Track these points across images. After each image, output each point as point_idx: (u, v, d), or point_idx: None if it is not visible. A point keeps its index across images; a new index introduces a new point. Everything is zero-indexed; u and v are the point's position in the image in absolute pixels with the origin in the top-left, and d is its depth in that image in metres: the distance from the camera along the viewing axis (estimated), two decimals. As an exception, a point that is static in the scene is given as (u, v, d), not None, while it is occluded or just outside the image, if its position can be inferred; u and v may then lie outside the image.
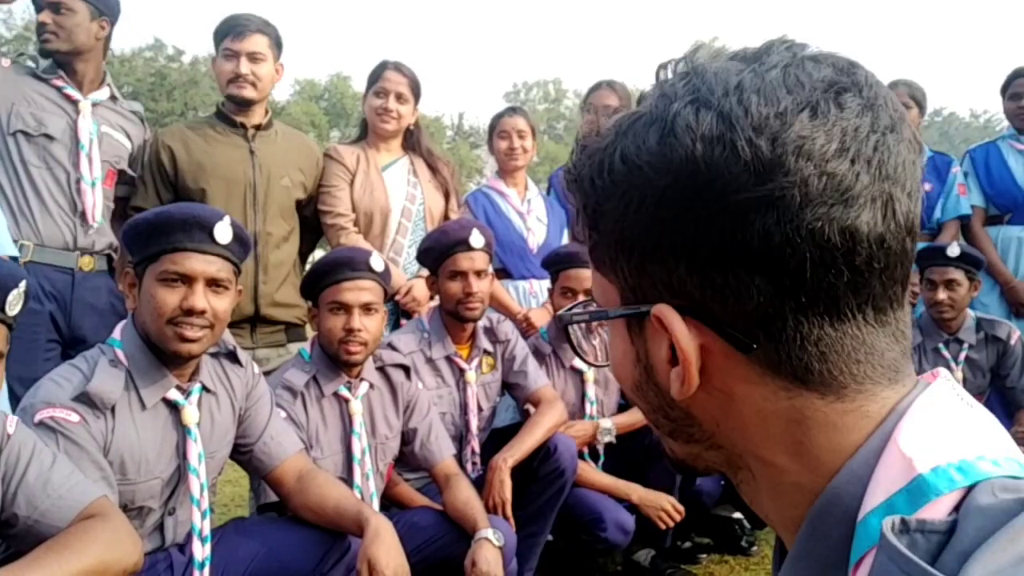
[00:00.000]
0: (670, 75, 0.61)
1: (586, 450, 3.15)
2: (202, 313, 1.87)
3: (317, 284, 2.44)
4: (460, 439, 2.95)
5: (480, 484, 2.70)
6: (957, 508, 0.51)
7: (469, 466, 2.94)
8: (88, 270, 2.81)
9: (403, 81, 3.40)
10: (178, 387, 1.95)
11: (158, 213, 1.93)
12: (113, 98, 3.00)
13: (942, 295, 3.42)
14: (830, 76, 0.56)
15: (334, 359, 2.44)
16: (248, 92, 3.08)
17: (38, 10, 2.81)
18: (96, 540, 1.54)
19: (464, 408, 2.94)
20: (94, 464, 1.76)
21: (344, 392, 2.47)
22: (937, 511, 0.50)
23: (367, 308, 2.40)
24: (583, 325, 0.72)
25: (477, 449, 2.97)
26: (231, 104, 3.14)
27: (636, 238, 0.60)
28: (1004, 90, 4.13)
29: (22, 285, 1.64)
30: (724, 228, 0.55)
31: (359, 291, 2.39)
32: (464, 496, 2.46)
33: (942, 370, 0.61)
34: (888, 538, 0.49)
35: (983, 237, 4.09)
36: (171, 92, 38.73)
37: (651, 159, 0.57)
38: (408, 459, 2.69)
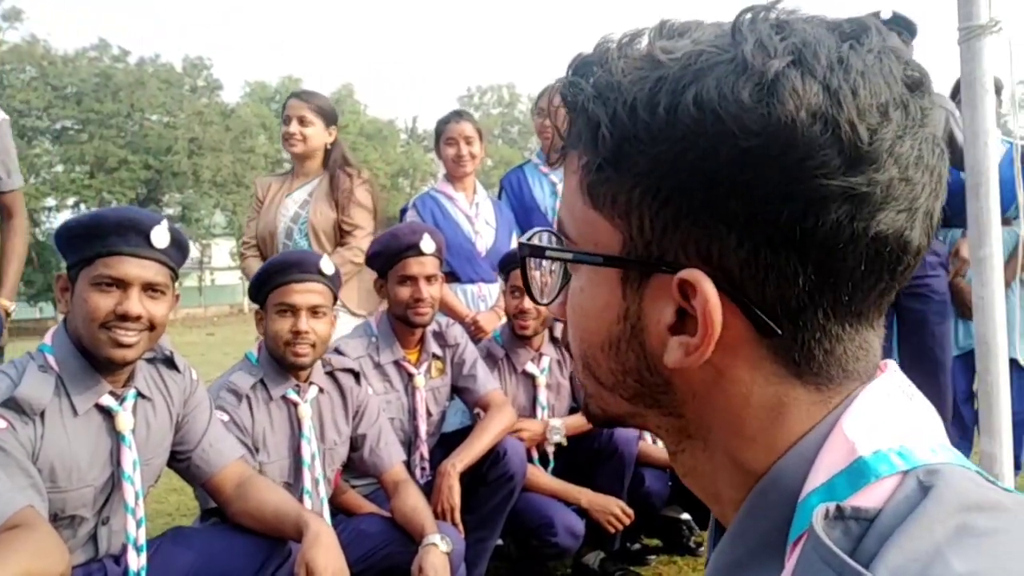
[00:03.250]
0: (752, 22, 0.54)
1: (536, 454, 3.14)
2: (137, 318, 1.82)
3: (265, 286, 2.39)
4: (409, 444, 2.91)
5: (429, 489, 2.68)
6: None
7: (418, 471, 2.91)
8: None
9: (304, 106, 3.66)
10: (112, 393, 1.89)
11: (93, 216, 1.87)
12: None
13: None
14: (911, 75, 0.54)
15: (280, 362, 2.39)
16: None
17: None
18: (20, 550, 1.49)
19: (413, 413, 2.91)
20: (22, 471, 1.70)
21: (292, 396, 2.43)
22: (875, 495, 0.51)
23: (315, 311, 2.36)
24: (535, 260, 0.66)
25: (426, 454, 2.94)
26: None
27: (683, 191, 0.54)
28: (954, 94, 4.08)
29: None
30: (797, 209, 0.51)
31: (308, 293, 2.35)
32: (412, 502, 2.44)
33: (890, 362, 0.61)
34: (814, 527, 0.49)
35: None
36: (116, 93, 38.08)
37: (740, 114, 0.51)
38: (357, 465, 2.65)
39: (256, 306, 2.49)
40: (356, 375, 2.63)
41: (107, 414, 1.89)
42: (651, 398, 0.61)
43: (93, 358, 1.85)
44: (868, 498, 0.50)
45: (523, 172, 4.12)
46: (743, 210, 0.53)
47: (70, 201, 39.25)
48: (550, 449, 3.13)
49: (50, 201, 39.11)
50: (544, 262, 0.66)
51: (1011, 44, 2.11)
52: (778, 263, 0.53)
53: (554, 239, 0.66)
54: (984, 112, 2.11)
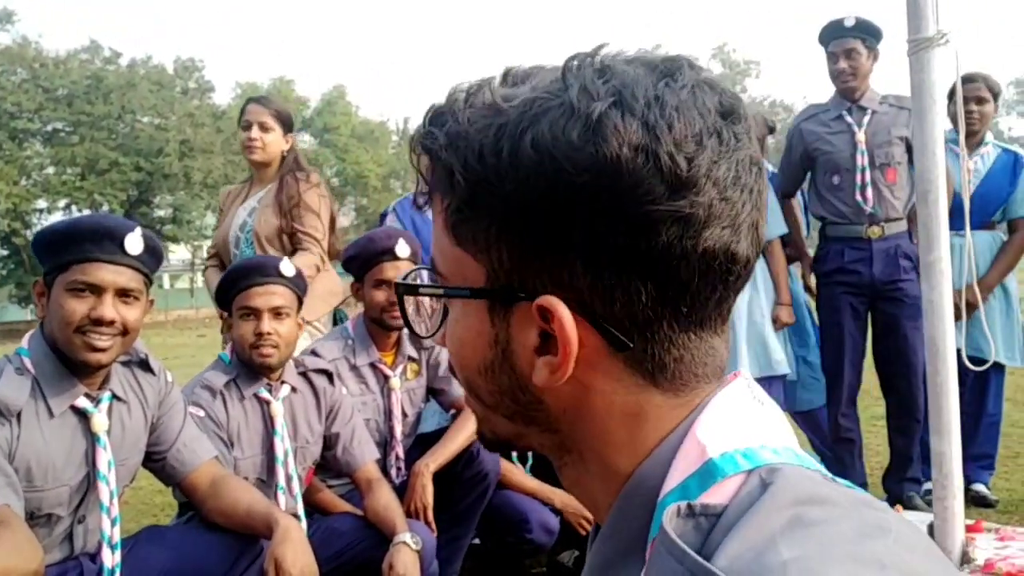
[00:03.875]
0: (578, 68, 0.60)
1: (515, 452, 3.19)
2: (111, 323, 1.88)
3: (228, 292, 2.46)
4: (384, 445, 2.97)
5: (405, 489, 2.73)
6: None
7: (393, 472, 2.96)
8: None
9: (265, 112, 3.59)
10: (87, 395, 1.96)
11: (68, 224, 1.94)
12: None
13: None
14: (725, 104, 0.60)
15: (248, 364, 2.46)
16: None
17: None
18: None
19: (388, 414, 2.97)
20: None
21: (264, 394, 2.49)
22: (723, 492, 0.55)
23: (277, 313, 2.42)
24: (415, 296, 0.71)
25: (401, 455, 2.99)
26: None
27: (531, 226, 0.59)
28: (951, 94, 4.11)
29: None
30: (631, 234, 0.57)
31: (269, 296, 2.41)
32: (384, 501, 2.50)
33: (742, 370, 0.67)
34: (664, 524, 0.53)
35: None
36: (108, 95, 37.94)
37: (571, 154, 0.57)
38: (330, 464, 2.71)
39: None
40: (329, 376, 2.69)
41: (82, 415, 1.95)
42: (527, 416, 0.66)
43: (69, 361, 1.91)
44: (716, 496, 0.55)
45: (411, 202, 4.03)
46: (584, 239, 0.58)
47: (61, 203, 39.10)
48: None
49: (41, 203, 38.97)
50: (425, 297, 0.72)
51: (957, 56, 2.19)
52: (621, 283, 0.59)
53: (431, 276, 0.70)
54: (933, 121, 2.19)
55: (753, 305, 3.92)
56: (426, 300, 0.72)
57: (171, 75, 41.65)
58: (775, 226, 4.00)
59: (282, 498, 2.43)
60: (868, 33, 3.75)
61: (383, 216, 4.28)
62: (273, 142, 3.59)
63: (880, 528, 0.50)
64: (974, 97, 3.85)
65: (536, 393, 0.64)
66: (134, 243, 1.92)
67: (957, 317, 3.86)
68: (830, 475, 0.59)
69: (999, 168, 3.96)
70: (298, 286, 2.50)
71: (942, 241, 2.18)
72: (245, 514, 2.13)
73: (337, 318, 3.70)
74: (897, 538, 0.50)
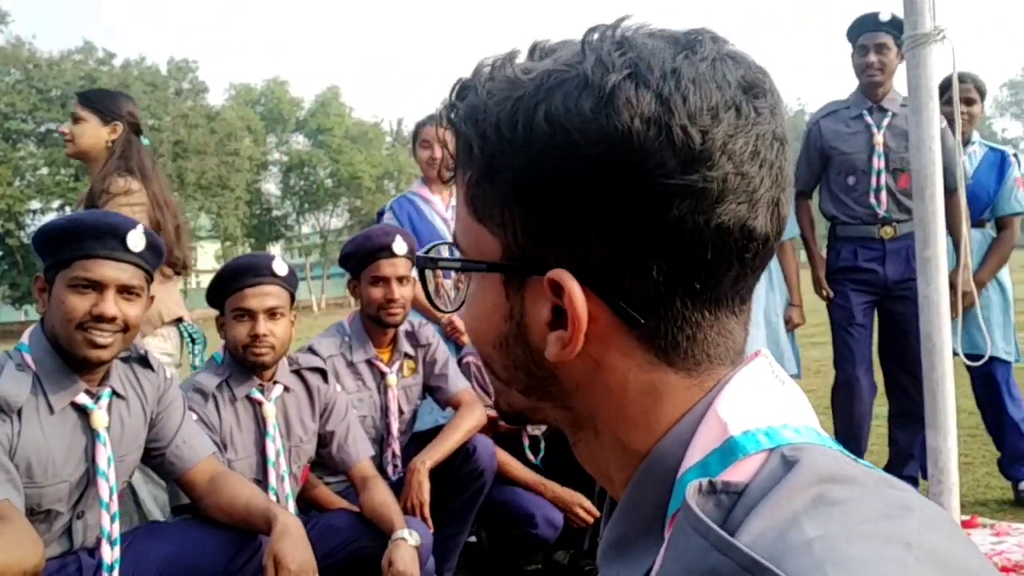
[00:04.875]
0: (598, 40, 0.60)
1: (527, 441, 3.21)
2: (112, 320, 1.88)
3: (221, 292, 2.44)
4: (381, 442, 2.98)
5: (401, 486, 2.74)
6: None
7: (390, 469, 2.97)
8: None
9: (79, 104, 3.21)
10: (87, 391, 1.95)
11: (71, 219, 1.93)
12: None
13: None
14: (748, 78, 0.59)
15: (242, 364, 2.45)
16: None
17: None
18: None
19: (385, 411, 2.97)
20: (0, 467, 1.76)
21: (257, 395, 2.48)
22: (744, 470, 0.55)
23: (272, 313, 2.41)
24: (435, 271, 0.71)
25: (398, 451, 3.00)
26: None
27: (545, 200, 0.59)
28: (941, 93, 4.11)
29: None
30: (642, 208, 0.56)
31: (263, 296, 2.40)
32: (380, 498, 2.50)
33: (763, 350, 0.66)
34: (687, 499, 0.53)
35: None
36: (102, 96, 37.78)
37: (583, 126, 0.56)
38: (326, 461, 2.70)
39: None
40: (323, 373, 2.69)
41: (82, 412, 1.95)
42: (542, 390, 0.66)
43: (69, 357, 1.91)
44: (737, 473, 0.55)
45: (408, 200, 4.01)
46: (596, 213, 0.58)
47: (55, 204, 39.07)
48: (526, 438, 3.21)
49: (35, 204, 38.93)
50: (451, 272, 0.72)
51: (954, 53, 2.20)
52: (633, 258, 0.58)
53: (452, 251, 0.71)
54: (929, 117, 2.20)
55: (769, 304, 3.93)
56: (452, 275, 0.75)
57: (165, 76, 41.68)
58: (787, 228, 3.94)
59: (273, 498, 2.42)
60: (901, 31, 3.69)
61: (380, 215, 4.28)
62: (84, 133, 3.16)
63: (905, 507, 0.50)
64: (963, 98, 3.83)
65: (549, 368, 0.64)
66: (136, 240, 1.92)
67: (954, 315, 3.92)
68: (851, 455, 0.58)
69: (986, 167, 3.96)
70: (291, 284, 2.49)
71: (938, 237, 2.19)
72: (244, 510, 2.13)
73: (184, 333, 3.25)
74: (922, 518, 0.49)
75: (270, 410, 2.49)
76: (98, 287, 1.88)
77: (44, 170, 38.58)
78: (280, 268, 2.45)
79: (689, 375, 0.62)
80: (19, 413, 1.84)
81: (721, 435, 0.58)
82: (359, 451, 2.66)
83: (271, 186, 53.39)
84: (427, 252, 0.73)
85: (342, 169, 48.41)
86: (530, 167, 0.59)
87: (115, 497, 1.98)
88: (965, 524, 2.32)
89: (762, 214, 0.59)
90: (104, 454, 1.96)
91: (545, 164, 0.59)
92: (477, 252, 0.65)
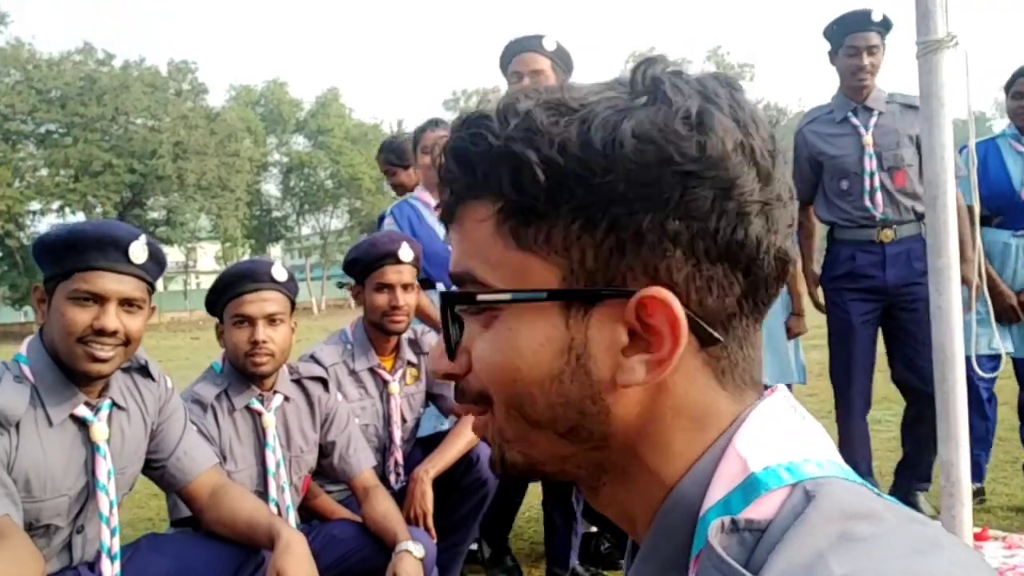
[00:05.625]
0: (652, 70, 0.61)
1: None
2: (114, 333, 1.84)
3: (220, 299, 2.41)
4: (383, 451, 2.96)
5: (403, 495, 2.72)
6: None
7: (393, 477, 2.95)
8: None
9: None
10: (87, 403, 1.92)
11: (71, 230, 1.89)
12: None
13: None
14: (766, 128, 0.62)
15: (242, 372, 2.42)
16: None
17: None
18: None
19: (388, 419, 2.95)
20: None
21: (256, 405, 2.45)
22: (766, 507, 0.55)
23: (272, 319, 2.37)
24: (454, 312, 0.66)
25: (400, 460, 2.98)
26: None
27: (627, 217, 0.58)
28: (1008, 88, 3.97)
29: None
30: (730, 223, 0.58)
31: (262, 302, 2.36)
32: (383, 508, 2.47)
33: (780, 385, 0.66)
34: (710, 539, 0.53)
35: (973, 239, 4.04)
36: (101, 97, 37.94)
37: (679, 142, 0.57)
38: (327, 471, 2.68)
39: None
40: (324, 382, 2.65)
41: (82, 424, 1.92)
42: (586, 430, 0.62)
43: (69, 370, 1.88)
44: (760, 510, 0.54)
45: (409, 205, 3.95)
46: (684, 228, 0.58)
47: (55, 205, 39.10)
48: None
49: (35, 205, 38.96)
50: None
51: (967, 58, 2.17)
52: (717, 274, 0.59)
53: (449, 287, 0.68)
54: (941, 125, 2.17)
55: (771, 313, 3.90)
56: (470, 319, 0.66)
57: (165, 77, 41.70)
58: None
59: (274, 509, 2.39)
60: (888, 29, 3.61)
61: (380, 220, 4.25)
62: None
63: (933, 544, 0.49)
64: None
65: (606, 402, 0.61)
66: (138, 251, 1.89)
67: (1000, 320, 3.79)
68: (875, 489, 0.57)
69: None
70: (291, 290, 2.46)
71: (950, 247, 2.16)
72: (246, 525, 2.10)
73: None
74: (951, 556, 0.49)
75: (270, 420, 2.45)
76: (99, 300, 1.84)
77: (44, 171, 38.59)
78: (280, 274, 2.41)
79: (733, 399, 0.62)
80: (17, 426, 1.81)
81: (742, 472, 0.57)
82: (360, 461, 2.63)
83: (271, 187, 53.46)
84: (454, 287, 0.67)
85: (342, 170, 48.44)
86: (609, 185, 0.58)
87: (115, 511, 1.95)
88: (977, 537, 2.29)
89: (790, 241, 0.63)
90: (104, 467, 1.93)
91: (631, 181, 0.58)
92: (519, 284, 0.61)
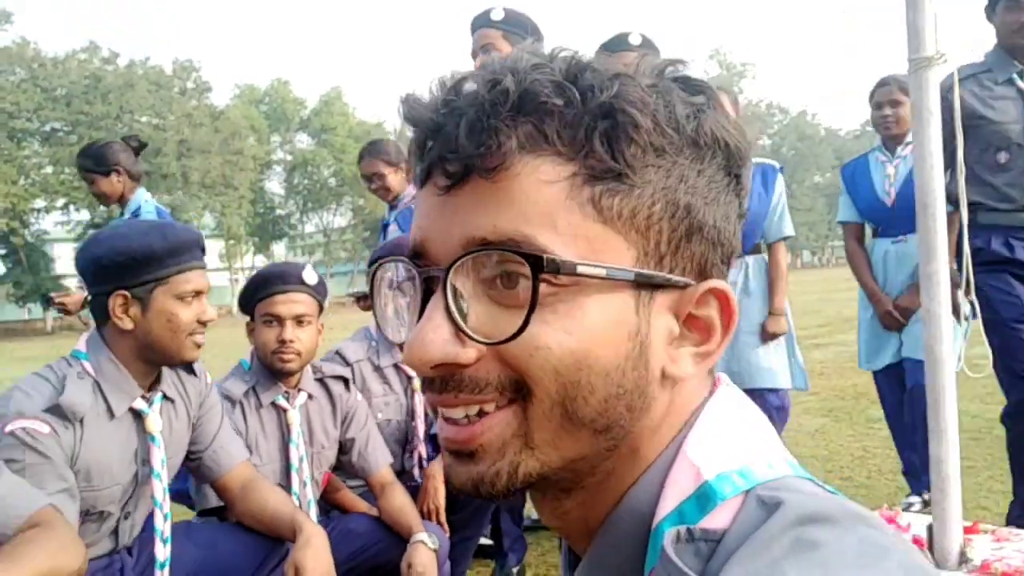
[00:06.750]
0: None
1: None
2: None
3: (252, 298, 2.52)
4: (406, 445, 3.05)
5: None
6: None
7: (416, 471, 3.03)
8: None
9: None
10: (142, 396, 2.02)
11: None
12: None
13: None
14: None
15: (270, 369, 2.52)
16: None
17: None
18: (40, 549, 1.56)
19: (411, 414, 3.04)
20: (57, 476, 1.80)
21: (282, 402, 2.56)
22: (721, 516, 0.54)
23: (300, 320, 2.48)
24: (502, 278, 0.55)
25: (423, 454, 3.06)
26: None
27: (693, 207, 0.57)
28: (870, 98, 3.98)
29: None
30: (737, 230, 0.61)
31: (291, 303, 2.47)
32: (399, 503, 2.57)
33: (722, 376, 0.65)
34: (666, 550, 0.52)
35: (857, 254, 4.03)
36: (106, 95, 37.96)
37: (740, 137, 0.59)
38: (346, 468, 2.77)
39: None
40: (346, 381, 2.75)
41: (137, 416, 2.02)
42: (622, 428, 0.58)
43: (137, 366, 1.99)
44: (715, 520, 0.53)
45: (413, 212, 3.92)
46: (725, 226, 0.60)
47: (59, 203, 39.14)
48: None
49: (39, 203, 39.00)
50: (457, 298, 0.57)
51: (956, 74, 2.26)
52: (729, 256, 0.62)
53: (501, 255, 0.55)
54: (931, 136, 2.27)
55: (748, 312, 3.56)
56: (407, 295, 0.63)
57: (169, 75, 41.71)
58: (784, 227, 3.64)
59: (296, 503, 2.49)
60: (651, 47, 3.30)
61: (384, 227, 4.28)
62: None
63: (882, 548, 0.49)
64: (887, 100, 3.85)
65: (649, 397, 0.58)
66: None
67: (887, 327, 3.76)
68: (820, 483, 0.58)
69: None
70: (320, 293, 2.55)
71: (939, 253, 2.26)
72: (271, 518, 2.21)
73: None
74: (900, 560, 0.49)
75: (294, 417, 2.55)
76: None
77: (48, 169, 38.66)
78: (310, 277, 2.51)
79: (708, 387, 0.64)
80: (81, 421, 1.89)
81: (695, 480, 0.56)
82: (378, 459, 2.72)
83: (275, 185, 53.56)
84: (461, 260, 0.55)
85: (345, 168, 48.44)
86: (689, 168, 0.57)
87: (167, 497, 2.05)
88: (968, 530, 2.38)
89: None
90: (158, 456, 2.03)
91: (708, 160, 0.58)
92: (597, 260, 0.55)
